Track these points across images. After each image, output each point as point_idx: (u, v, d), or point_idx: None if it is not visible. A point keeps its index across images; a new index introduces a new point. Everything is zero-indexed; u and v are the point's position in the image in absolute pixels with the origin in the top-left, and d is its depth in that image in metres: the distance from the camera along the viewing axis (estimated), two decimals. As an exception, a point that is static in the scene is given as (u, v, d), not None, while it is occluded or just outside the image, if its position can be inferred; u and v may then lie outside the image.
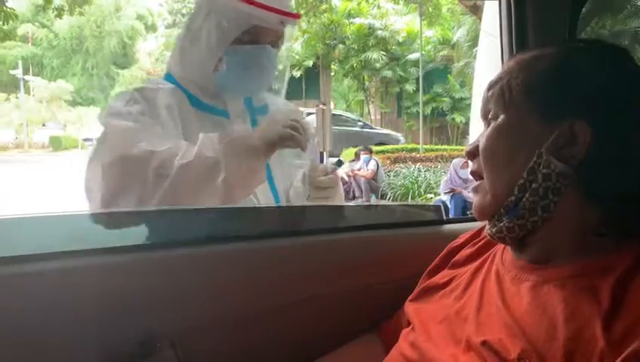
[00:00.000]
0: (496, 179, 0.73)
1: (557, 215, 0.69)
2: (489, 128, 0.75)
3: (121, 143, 1.09)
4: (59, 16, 10.93)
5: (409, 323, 0.88)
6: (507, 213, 0.72)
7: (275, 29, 1.23)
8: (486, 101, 0.77)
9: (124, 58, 28.56)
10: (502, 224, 0.73)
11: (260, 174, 1.14)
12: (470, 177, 0.81)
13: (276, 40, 1.26)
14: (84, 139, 23.92)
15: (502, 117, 0.73)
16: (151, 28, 29.39)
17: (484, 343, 0.68)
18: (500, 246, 0.83)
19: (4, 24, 9.83)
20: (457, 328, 0.76)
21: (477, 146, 0.76)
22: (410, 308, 0.90)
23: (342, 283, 1.06)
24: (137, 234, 1.04)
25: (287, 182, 1.35)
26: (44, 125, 25.32)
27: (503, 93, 0.73)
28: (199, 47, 1.23)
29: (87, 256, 0.87)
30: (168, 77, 1.29)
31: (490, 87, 0.76)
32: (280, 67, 1.30)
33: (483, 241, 0.90)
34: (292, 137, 1.12)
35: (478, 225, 0.98)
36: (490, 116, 0.75)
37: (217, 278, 0.94)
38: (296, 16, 1.27)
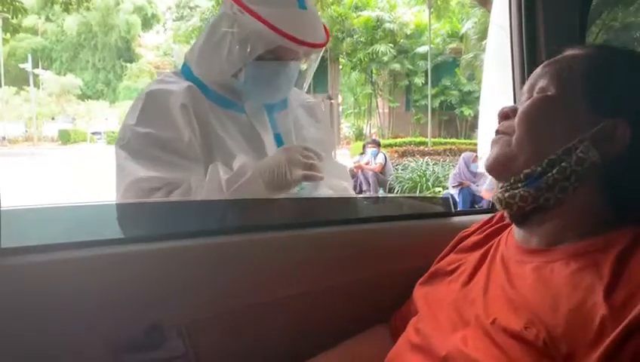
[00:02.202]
0: (528, 142, 0.74)
1: (570, 199, 0.71)
2: (536, 95, 0.76)
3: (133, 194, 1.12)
4: (66, 10, 10.98)
5: (417, 312, 0.89)
6: (526, 181, 0.72)
7: (298, 50, 1.20)
8: (537, 76, 0.78)
9: (128, 52, 28.54)
10: (517, 191, 0.73)
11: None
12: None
13: (300, 56, 1.23)
14: (93, 133, 24.09)
15: (552, 90, 0.75)
16: (153, 18, 29.05)
17: (493, 322, 0.70)
18: (505, 233, 0.85)
19: (13, 18, 9.90)
20: (465, 311, 0.77)
21: (515, 110, 0.77)
22: (419, 292, 0.92)
23: (352, 274, 1.06)
24: (148, 225, 1.04)
25: None
26: (53, 119, 25.49)
27: (562, 70, 0.75)
28: (219, 55, 1.20)
29: (93, 246, 0.87)
30: (185, 69, 1.27)
31: (548, 64, 0.78)
32: (304, 68, 1.29)
33: (491, 229, 0.92)
34: (313, 178, 1.12)
35: (486, 216, 0.98)
36: (536, 90, 0.77)
37: (226, 269, 0.95)
38: (323, 45, 1.23)
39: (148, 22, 29.12)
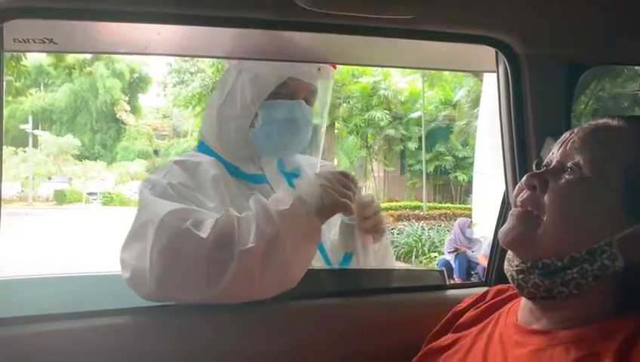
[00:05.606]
0: (559, 231, 0.68)
1: (583, 294, 0.68)
2: (571, 176, 0.70)
3: (169, 227, 0.96)
4: (69, 74, 11.29)
5: None
6: (543, 272, 0.69)
7: (310, 81, 1.22)
8: (573, 147, 0.72)
9: (114, 116, 28.98)
10: (531, 276, 0.70)
11: (314, 251, 1.02)
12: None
13: (310, 95, 1.24)
14: (89, 193, 24.12)
15: (589, 173, 0.69)
16: (141, 81, 29.46)
17: None
18: (504, 310, 0.82)
19: (16, 81, 10.12)
20: None
21: (543, 182, 0.71)
22: None
23: (345, 348, 1.03)
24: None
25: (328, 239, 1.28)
26: (49, 178, 25.57)
27: (603, 153, 0.69)
28: (234, 106, 1.21)
29: (87, 317, 0.90)
30: (202, 146, 1.26)
31: (586, 138, 0.72)
32: (315, 123, 1.26)
33: (486, 305, 0.89)
34: (347, 208, 1.03)
35: (480, 290, 0.96)
36: (569, 165, 0.71)
37: (202, 345, 0.94)
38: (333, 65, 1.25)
39: (139, 85, 29.49)
